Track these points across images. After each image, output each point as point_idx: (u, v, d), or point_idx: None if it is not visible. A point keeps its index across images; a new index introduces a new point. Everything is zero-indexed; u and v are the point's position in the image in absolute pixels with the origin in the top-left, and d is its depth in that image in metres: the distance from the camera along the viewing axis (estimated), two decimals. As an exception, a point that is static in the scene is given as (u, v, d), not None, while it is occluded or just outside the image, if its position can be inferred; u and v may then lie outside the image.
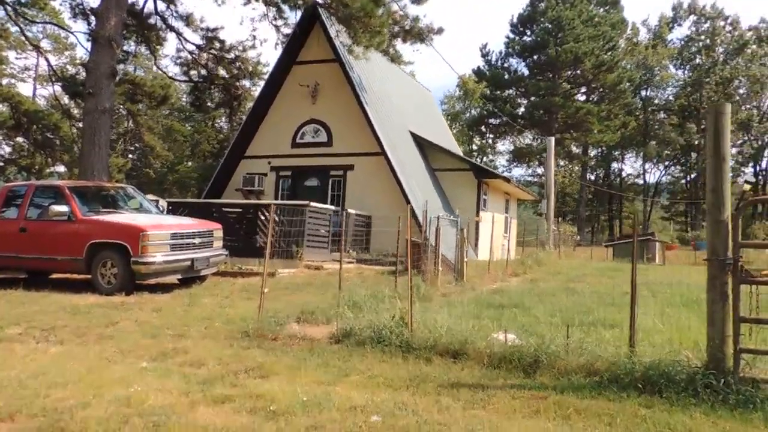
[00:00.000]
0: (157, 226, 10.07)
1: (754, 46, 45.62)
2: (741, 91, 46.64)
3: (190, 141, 50.31)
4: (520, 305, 8.52)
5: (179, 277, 10.53)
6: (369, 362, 5.17)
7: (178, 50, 20.47)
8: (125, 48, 21.72)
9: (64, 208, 10.16)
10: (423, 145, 20.08)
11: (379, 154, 17.21)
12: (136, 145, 51.29)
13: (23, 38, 23.64)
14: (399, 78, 23.93)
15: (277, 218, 14.16)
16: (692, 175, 51.50)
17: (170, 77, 21.15)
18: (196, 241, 10.53)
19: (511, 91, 37.86)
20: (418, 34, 16.19)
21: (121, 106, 25.63)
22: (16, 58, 39.55)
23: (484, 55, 37.96)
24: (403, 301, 9.22)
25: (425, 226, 11.21)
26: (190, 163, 50.44)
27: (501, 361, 4.99)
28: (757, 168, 49.53)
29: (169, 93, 23.11)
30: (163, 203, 15.42)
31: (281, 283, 11.06)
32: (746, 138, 48.05)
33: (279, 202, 15.79)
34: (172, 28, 19.80)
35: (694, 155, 48.22)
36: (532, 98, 35.01)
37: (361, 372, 4.86)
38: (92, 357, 5.31)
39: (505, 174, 19.67)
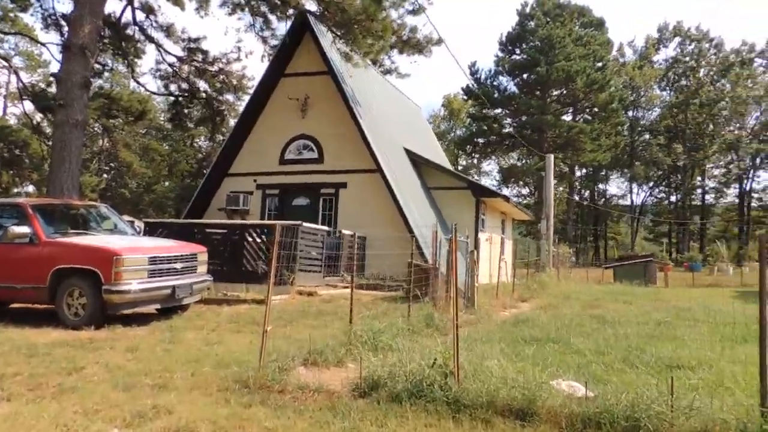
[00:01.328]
0: (133, 249, 8.80)
1: (737, 68, 45.89)
2: (725, 112, 46.80)
3: (167, 160, 48.78)
4: (555, 339, 7.41)
5: (158, 307, 9.21)
6: (412, 427, 3.99)
7: (158, 62, 19.32)
8: (101, 61, 20.47)
9: (25, 229, 8.83)
10: (418, 162, 19.06)
11: (374, 172, 16.13)
12: (111, 164, 49.54)
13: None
14: (389, 92, 23.01)
15: (264, 239, 12.95)
16: (677, 196, 51.36)
17: (149, 91, 19.95)
18: (178, 265, 9.27)
19: (499, 110, 37.24)
20: (416, 45, 15.26)
21: (96, 123, 24.15)
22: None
23: (473, 74, 37.51)
24: (421, 335, 8.07)
25: (434, 248, 10.08)
26: (167, 183, 48.84)
27: (585, 425, 3.85)
28: (743, 188, 49.57)
29: (147, 108, 21.86)
30: (139, 224, 14.08)
31: (273, 312, 9.76)
32: (732, 158, 48.14)
33: (269, 222, 14.59)
34: (151, 39, 18.64)
35: (679, 176, 48.12)
36: (523, 117, 34.39)
37: (406, 442, 3.68)
38: (46, 423, 4.05)
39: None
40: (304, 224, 13.08)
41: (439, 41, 15.58)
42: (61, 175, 14.40)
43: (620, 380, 5.03)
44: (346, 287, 13.97)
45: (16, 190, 31.14)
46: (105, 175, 51.18)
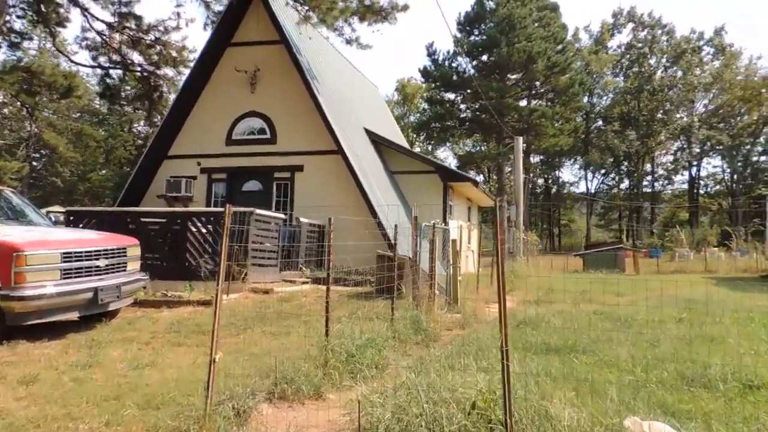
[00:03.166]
0: (41, 244, 6.93)
1: (689, 56, 46.20)
2: (675, 98, 47.09)
3: (104, 146, 45.40)
4: (574, 347, 6.05)
5: (77, 314, 7.35)
6: None
7: (84, 30, 16.93)
8: (16, 28, 17.94)
9: None
10: (379, 144, 17.50)
11: (334, 153, 14.50)
12: (43, 151, 45.77)
13: None
14: (347, 69, 21.32)
15: (210, 229, 11.17)
16: (629, 182, 51.66)
17: (74, 62, 17.53)
18: (101, 263, 7.44)
19: (457, 94, 35.79)
20: (380, 12, 13.64)
21: (16, 100, 21.38)
22: None
23: (430, 54, 35.81)
24: (410, 343, 6.58)
25: (414, 238, 8.57)
26: (104, 171, 45.52)
27: None
28: (692, 174, 50.26)
29: (74, 84, 19.38)
30: (57, 214, 11.97)
31: (224, 316, 8.05)
32: (683, 144, 48.63)
33: (216, 209, 12.80)
34: (75, 2, 16.29)
35: (632, 163, 48.26)
36: (481, 101, 33.24)
37: None
38: None
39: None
40: (257, 211, 11.35)
41: (405, 7, 14.02)
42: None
43: (707, 411, 3.68)
44: (305, 282, 12.36)
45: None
46: (35, 163, 47.37)
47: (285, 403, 4.25)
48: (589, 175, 54.13)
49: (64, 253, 6.96)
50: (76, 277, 7.07)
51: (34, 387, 4.68)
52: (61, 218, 11.89)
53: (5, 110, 42.35)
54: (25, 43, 19.53)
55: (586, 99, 41.83)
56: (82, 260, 7.16)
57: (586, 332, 6.85)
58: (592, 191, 54.03)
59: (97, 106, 49.57)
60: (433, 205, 16.50)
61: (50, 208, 20.51)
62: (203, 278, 10.48)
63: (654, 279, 17.97)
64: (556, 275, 17.52)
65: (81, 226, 11.52)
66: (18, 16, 18.51)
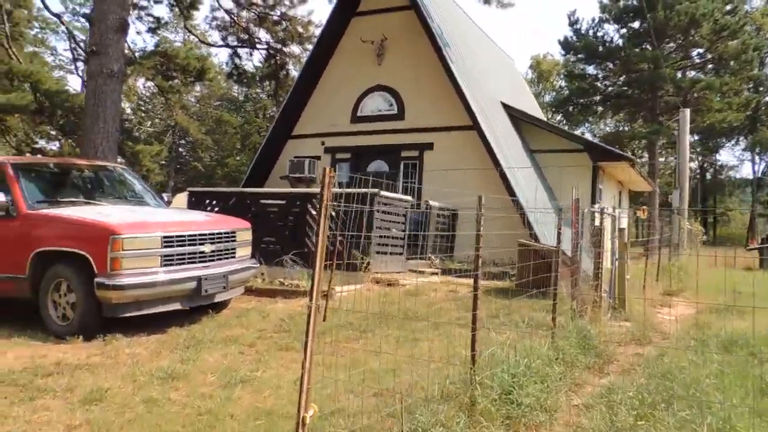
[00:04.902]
0: (141, 226, 6.12)
1: None
2: None
3: (240, 132, 47.23)
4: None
5: (180, 306, 6.48)
6: None
7: (213, 9, 16.72)
8: (152, 12, 18.21)
9: (0, 197, 6.36)
10: (518, 120, 15.57)
11: (468, 129, 12.92)
12: (187, 138, 48.50)
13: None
14: (481, 39, 19.49)
15: (333, 214, 10.11)
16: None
17: (204, 42, 17.43)
18: (207, 248, 6.52)
19: (601, 67, 32.17)
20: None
21: (152, 83, 21.97)
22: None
23: (572, 23, 32.38)
24: (577, 367, 4.94)
25: (576, 227, 6.78)
26: (239, 156, 47.38)
27: None
28: None
29: (206, 66, 19.44)
30: (182, 196, 11.55)
31: (341, 313, 6.86)
32: None
33: (339, 190, 11.78)
34: (205, -19, 16.02)
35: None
36: (633, 74, 29.51)
37: None
38: None
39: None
40: (382, 193, 10.12)
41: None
42: (94, 136, 12.11)
43: None
44: (435, 273, 10.96)
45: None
46: (180, 150, 50.42)
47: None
48: (756, 159, 47.42)
49: (165, 237, 6.10)
50: (178, 264, 6.21)
51: (97, 409, 3.68)
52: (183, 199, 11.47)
53: (154, 101, 45.29)
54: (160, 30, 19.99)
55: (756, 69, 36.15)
56: (185, 245, 6.27)
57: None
58: (758, 176, 47.32)
59: (235, 94, 51.72)
60: (579, 188, 14.33)
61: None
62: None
63: None
64: (735, 273, 14.60)
65: (203, 207, 11.03)
66: (155, 1, 18.85)
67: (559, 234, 6.03)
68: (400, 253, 10.80)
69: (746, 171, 49.17)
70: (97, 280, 5.72)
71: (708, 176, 50.93)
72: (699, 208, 41.31)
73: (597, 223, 7.92)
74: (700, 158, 46.23)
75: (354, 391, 3.97)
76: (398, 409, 3.18)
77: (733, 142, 46.48)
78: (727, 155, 63.98)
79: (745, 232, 46.55)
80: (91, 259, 5.79)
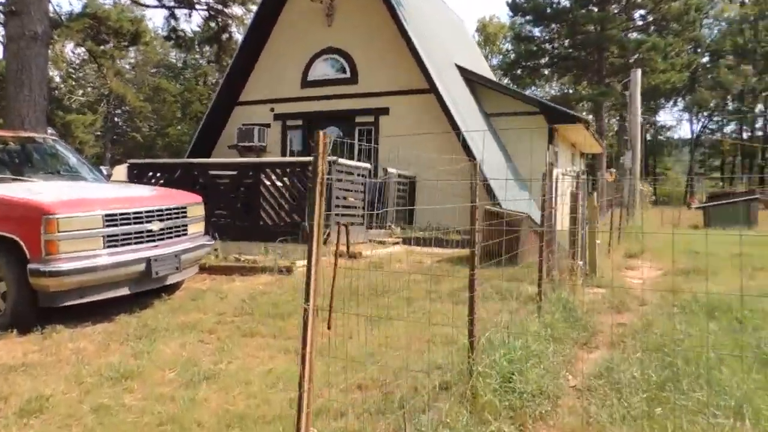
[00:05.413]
0: (78, 204, 5.45)
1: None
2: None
3: (179, 101, 45.17)
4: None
5: (128, 291, 5.87)
6: None
7: (147, -35, 15.45)
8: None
9: None
10: (473, 82, 15.21)
11: (424, 92, 12.49)
12: (124, 107, 46.05)
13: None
14: None
15: (285, 182, 9.56)
16: (736, 125, 46.13)
17: (137, 3, 16.08)
18: (155, 226, 5.91)
19: (541, 32, 32.16)
20: None
21: (81, 48, 20.44)
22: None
23: (521, -16, 32.41)
24: (564, 343, 4.67)
25: (549, 189, 6.50)
26: (180, 126, 45.44)
27: None
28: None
29: (141, 29, 18.18)
30: (121, 169, 10.67)
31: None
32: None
33: (293, 159, 11.23)
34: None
35: (743, 103, 42.79)
36: (580, 35, 29.56)
37: None
38: None
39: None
40: (340, 160, 9.61)
41: None
42: (19, 105, 11.11)
43: None
44: (396, 243, 10.63)
45: None
46: (116, 119, 47.91)
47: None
48: (694, 119, 49.04)
49: (107, 216, 5.46)
50: (123, 245, 5.59)
51: (37, 423, 3.13)
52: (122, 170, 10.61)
53: (86, 68, 42.61)
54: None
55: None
56: (130, 223, 5.65)
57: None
58: (694, 136, 49.02)
59: (173, 60, 49.29)
60: (535, 151, 14.18)
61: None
62: (278, 238, 8.92)
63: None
64: (687, 232, 14.88)
65: (146, 180, 10.25)
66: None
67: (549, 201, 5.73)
68: (361, 223, 10.38)
69: (683, 131, 50.82)
70: (30, 266, 5.06)
71: (648, 137, 52.40)
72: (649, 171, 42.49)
73: (565, 187, 7.69)
74: (642, 118, 47.46)
75: (333, 384, 3.56)
76: (400, 416, 2.79)
77: (671, 102, 47.85)
78: (665, 115, 65.92)
79: (682, 191, 48.30)
80: (21, 243, 5.12)
